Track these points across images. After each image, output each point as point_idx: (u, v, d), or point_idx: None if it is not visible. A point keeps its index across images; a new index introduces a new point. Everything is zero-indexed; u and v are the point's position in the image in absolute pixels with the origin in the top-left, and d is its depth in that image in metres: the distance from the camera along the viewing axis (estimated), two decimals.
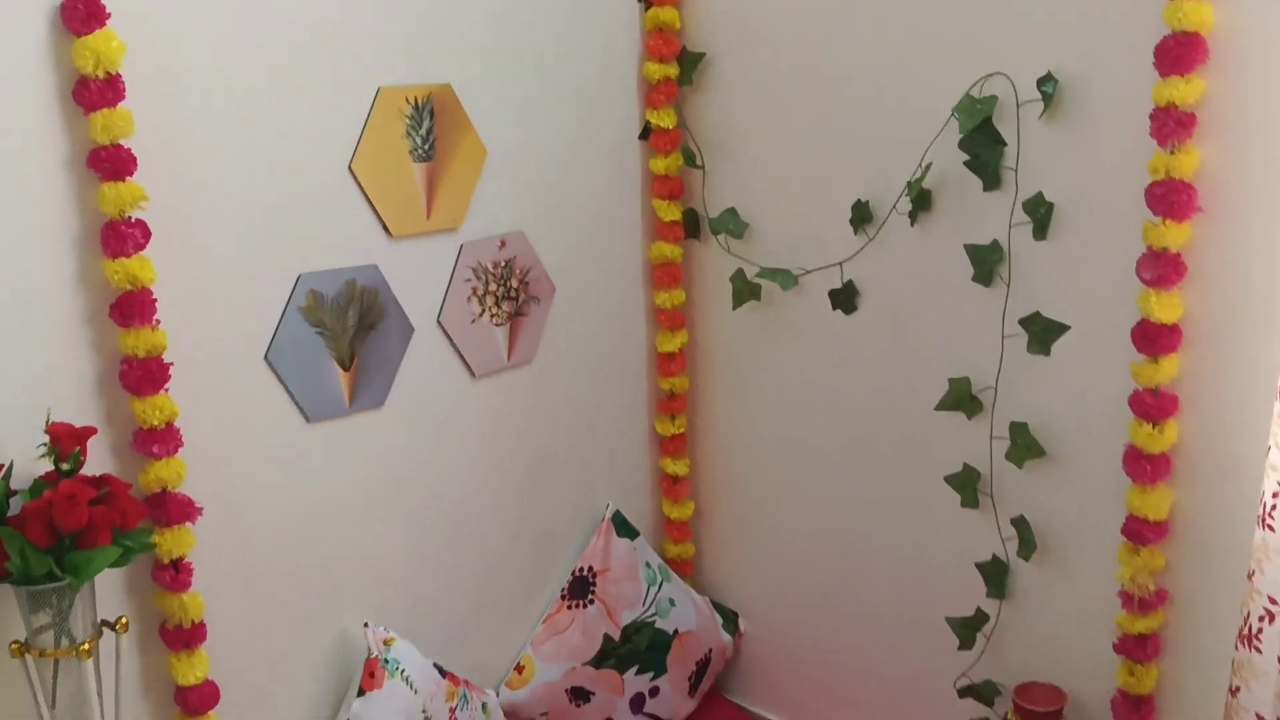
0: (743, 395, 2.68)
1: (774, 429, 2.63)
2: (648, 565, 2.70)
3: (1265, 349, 1.83)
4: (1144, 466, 1.98)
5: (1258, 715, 1.83)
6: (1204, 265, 1.89)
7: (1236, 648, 1.86)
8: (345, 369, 2.17)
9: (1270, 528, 1.78)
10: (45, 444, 1.72)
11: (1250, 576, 1.82)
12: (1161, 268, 1.89)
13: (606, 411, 2.68)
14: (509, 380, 2.46)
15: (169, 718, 2.02)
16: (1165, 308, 1.90)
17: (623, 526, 2.68)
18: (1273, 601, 1.79)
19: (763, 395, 2.63)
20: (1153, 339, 1.92)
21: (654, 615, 2.66)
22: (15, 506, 1.72)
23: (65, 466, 1.71)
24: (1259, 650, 1.82)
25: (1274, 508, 1.77)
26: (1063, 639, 2.21)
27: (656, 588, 2.69)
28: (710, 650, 2.75)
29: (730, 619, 2.83)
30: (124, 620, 1.83)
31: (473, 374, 2.39)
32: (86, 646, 1.75)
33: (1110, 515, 2.06)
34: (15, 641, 1.75)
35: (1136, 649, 2.07)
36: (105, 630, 1.82)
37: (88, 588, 1.76)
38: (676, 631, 2.68)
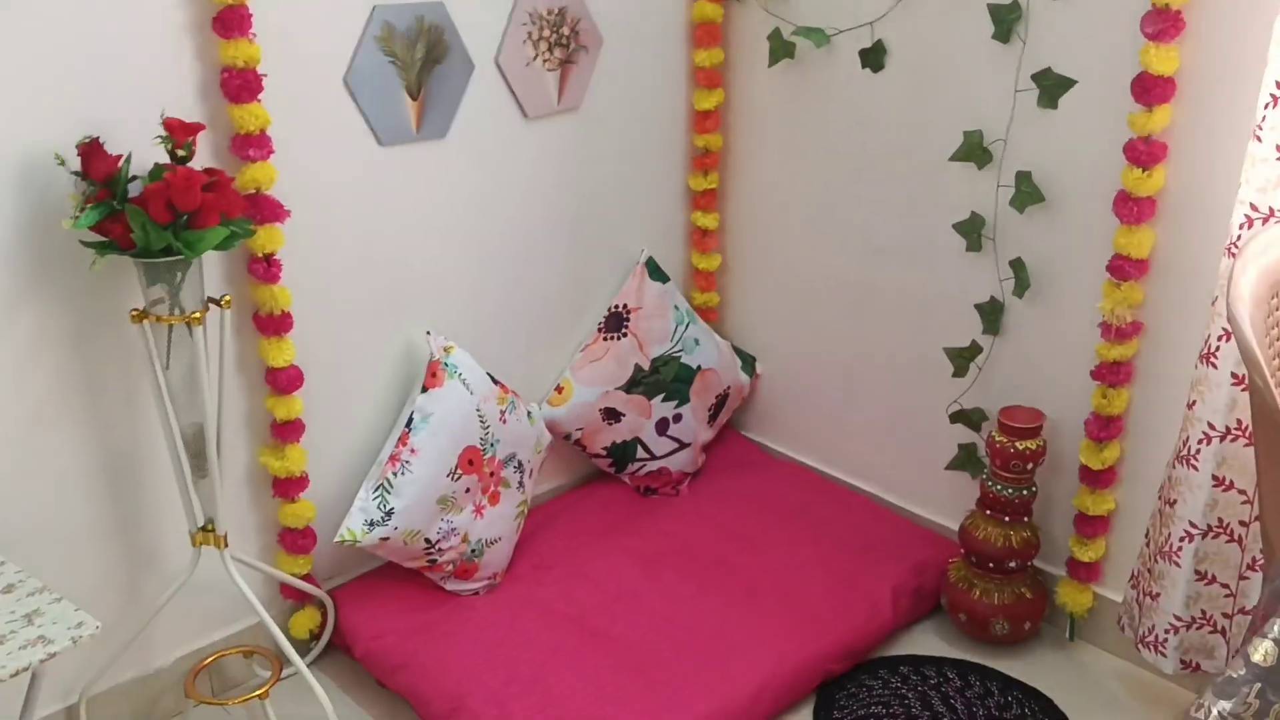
0: (772, 153, 2.89)
1: (799, 185, 2.85)
2: (676, 308, 2.96)
3: (1248, 99, 2.02)
4: (1131, 208, 2.20)
5: (1209, 424, 2.11)
6: (1201, 21, 2.07)
7: (1196, 366, 2.12)
8: (414, 99, 2.39)
9: (1233, 256, 2.01)
10: (162, 135, 1.96)
11: (1214, 303, 2.07)
12: (1163, 22, 2.07)
13: (644, 163, 2.89)
14: (557, 125, 2.67)
15: (260, 395, 2.32)
16: (1163, 60, 2.09)
17: (655, 271, 2.94)
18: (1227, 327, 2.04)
19: (790, 152, 2.85)
20: (1149, 89, 2.12)
21: (680, 351, 2.94)
22: (134, 191, 1.96)
23: (181, 153, 1.95)
24: (1214, 366, 2.08)
25: (1239, 238, 2.00)
26: (1046, 368, 2.48)
27: (683, 327, 2.96)
28: (729, 387, 3.04)
29: (749, 362, 3.11)
30: (227, 298, 2.11)
31: (525, 114, 2.60)
32: (197, 315, 2.03)
33: (1097, 254, 2.30)
34: (135, 309, 2.03)
35: (1111, 374, 2.34)
36: (211, 306, 2.09)
37: (196, 265, 2.01)
38: (700, 367, 2.96)
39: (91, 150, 1.92)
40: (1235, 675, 1.33)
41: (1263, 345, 1.55)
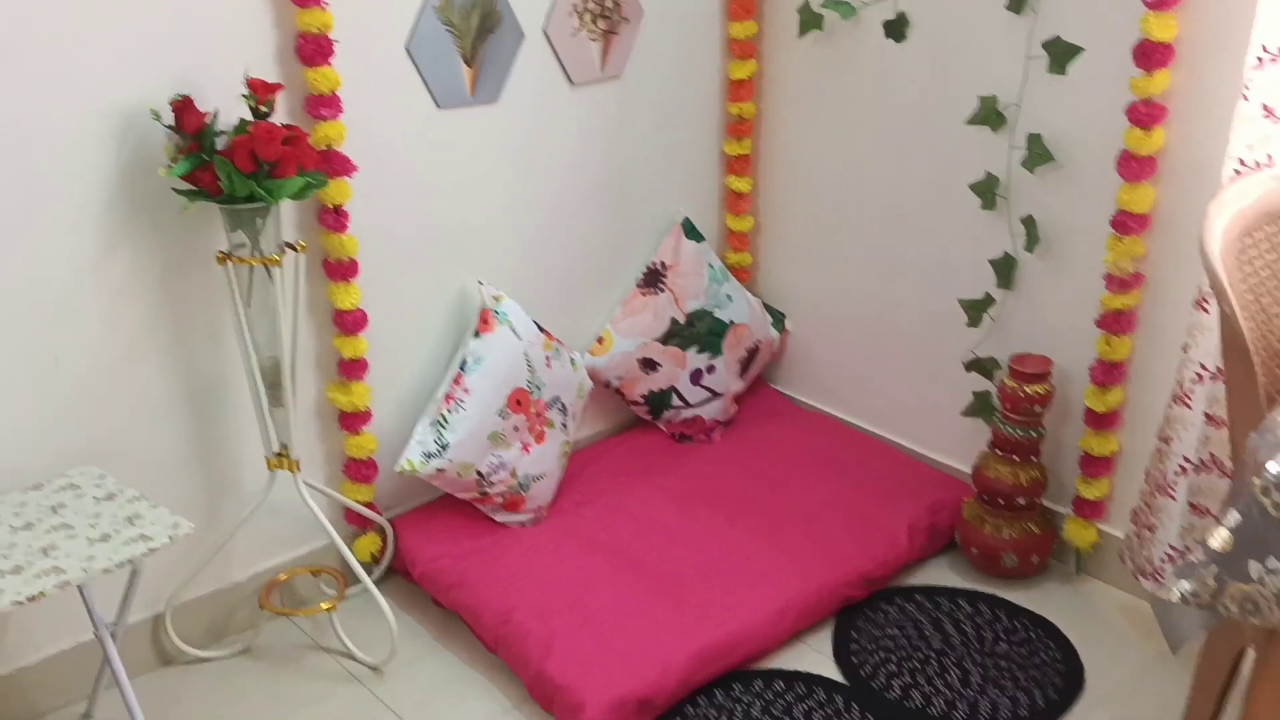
0: (802, 120, 3.07)
1: (826, 150, 3.03)
2: (710, 266, 3.16)
3: (1239, 63, 2.18)
4: (1133, 166, 2.37)
5: (1201, 365, 2.28)
6: None
7: (1191, 312, 2.29)
8: (469, 65, 2.59)
9: None
10: (245, 93, 2.18)
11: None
12: None
13: (681, 129, 3.08)
14: (600, 92, 2.87)
15: (328, 335, 2.53)
16: (1162, 27, 2.25)
17: (691, 231, 3.13)
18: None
19: (819, 119, 3.03)
20: (1149, 55, 2.28)
21: (714, 306, 3.13)
22: (219, 145, 2.18)
23: (263, 109, 2.17)
24: (1206, 311, 2.25)
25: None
26: (1054, 318, 2.65)
27: (717, 284, 3.15)
28: (759, 342, 3.23)
29: (778, 319, 3.30)
30: (302, 243, 2.32)
31: (571, 81, 2.79)
32: (275, 257, 2.25)
33: (1102, 210, 2.46)
34: (220, 251, 2.25)
35: (1114, 323, 2.51)
36: (287, 250, 2.30)
37: (275, 212, 2.23)
38: (732, 322, 3.15)
39: (184, 106, 2.14)
40: (1195, 560, 1.51)
41: (1235, 280, 1.72)
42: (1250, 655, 1.80)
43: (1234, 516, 1.49)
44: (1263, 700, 1.58)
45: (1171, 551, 2.41)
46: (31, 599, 1.82)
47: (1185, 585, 1.51)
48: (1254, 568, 1.47)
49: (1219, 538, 1.49)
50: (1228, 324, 1.68)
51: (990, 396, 2.83)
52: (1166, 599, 1.53)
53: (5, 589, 1.83)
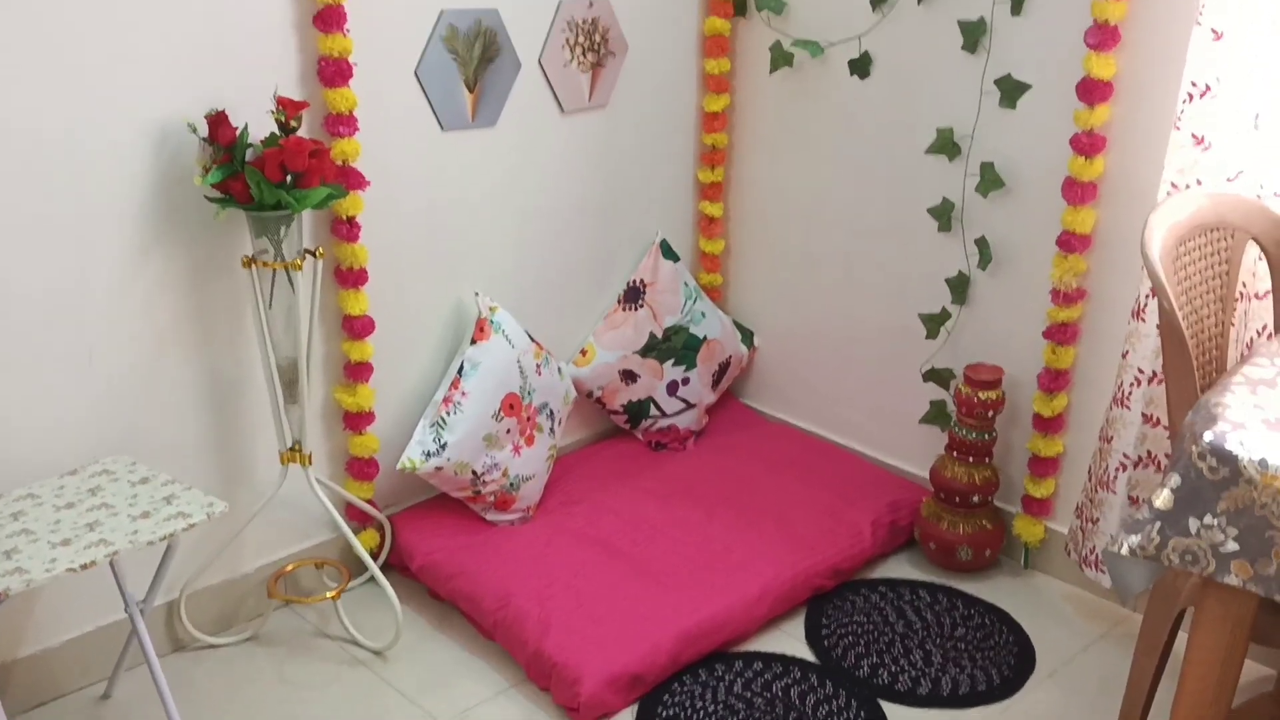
0: (772, 150, 3.31)
1: (794, 178, 3.28)
2: (685, 284, 3.37)
3: (1171, 97, 2.46)
4: (1077, 191, 2.63)
5: (1139, 369, 2.53)
6: (1134, 33, 2.51)
7: (1129, 322, 2.55)
8: (470, 91, 2.80)
9: None
10: (274, 110, 2.36)
11: (1144, 268, 2.49)
12: (1103, 35, 2.51)
13: (660, 156, 3.31)
14: (587, 119, 3.09)
15: (337, 340, 2.70)
16: (1103, 67, 2.52)
17: (668, 251, 3.34)
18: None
19: (788, 150, 3.27)
20: (1091, 90, 2.55)
21: (689, 322, 3.34)
22: (248, 156, 2.35)
23: (293, 124, 2.35)
24: (1143, 320, 2.51)
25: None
26: (1005, 330, 2.90)
27: (692, 301, 3.36)
28: (730, 357, 3.45)
29: (748, 336, 3.52)
30: (321, 250, 2.49)
31: (562, 109, 3.01)
32: (297, 262, 2.42)
33: (1048, 231, 2.72)
34: (245, 256, 2.42)
35: (1060, 334, 2.76)
36: (307, 256, 2.48)
37: (297, 221, 2.41)
38: (705, 337, 3.36)
39: (218, 120, 2.32)
40: (1140, 517, 1.74)
41: (1171, 284, 1.97)
42: (1189, 618, 2.02)
43: (1175, 479, 1.71)
44: (1201, 645, 1.80)
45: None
46: (85, 566, 1.96)
47: (1133, 539, 1.73)
48: (1192, 523, 1.70)
49: (1161, 498, 1.72)
50: (1166, 318, 1.92)
51: (946, 405, 3.06)
52: (1117, 552, 1.74)
53: (59, 558, 1.97)
